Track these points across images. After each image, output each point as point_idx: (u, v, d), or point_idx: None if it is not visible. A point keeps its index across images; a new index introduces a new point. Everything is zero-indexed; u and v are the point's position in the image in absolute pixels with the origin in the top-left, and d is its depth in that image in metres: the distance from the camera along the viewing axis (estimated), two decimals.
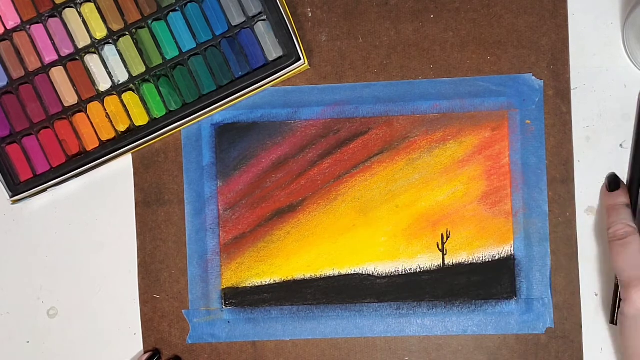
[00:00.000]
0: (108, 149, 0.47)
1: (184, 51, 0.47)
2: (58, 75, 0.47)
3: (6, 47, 0.47)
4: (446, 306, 0.48)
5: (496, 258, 0.47)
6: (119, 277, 0.49)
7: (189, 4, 0.46)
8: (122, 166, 0.49)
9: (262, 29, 0.46)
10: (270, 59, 0.47)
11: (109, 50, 0.47)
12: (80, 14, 0.47)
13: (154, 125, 0.47)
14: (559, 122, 0.47)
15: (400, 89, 0.48)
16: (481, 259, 0.47)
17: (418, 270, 0.48)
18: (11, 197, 0.47)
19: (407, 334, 0.48)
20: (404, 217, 0.48)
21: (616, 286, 0.46)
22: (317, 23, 0.48)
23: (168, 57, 0.47)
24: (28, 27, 0.47)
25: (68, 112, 0.47)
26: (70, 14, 0.47)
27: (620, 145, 0.47)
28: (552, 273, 0.47)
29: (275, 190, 0.48)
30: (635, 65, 0.47)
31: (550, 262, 0.47)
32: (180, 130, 0.48)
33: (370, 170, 0.48)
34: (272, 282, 0.48)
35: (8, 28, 0.47)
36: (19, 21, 0.47)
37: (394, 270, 0.48)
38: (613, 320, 0.46)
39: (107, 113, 0.47)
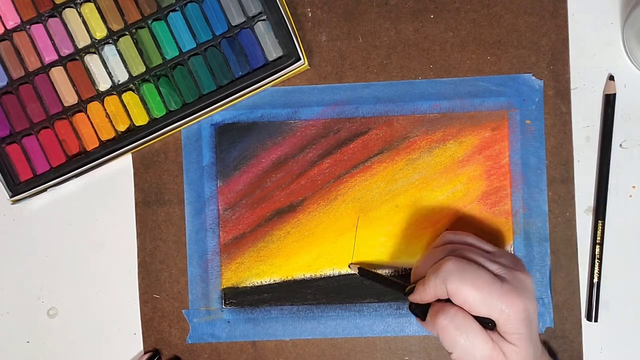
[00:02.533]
0: (108, 149, 0.47)
1: (184, 51, 0.47)
2: (58, 75, 0.47)
3: (6, 47, 0.47)
4: None
5: None
6: (119, 277, 0.49)
7: (189, 4, 0.46)
8: (122, 166, 0.49)
9: (262, 29, 0.46)
10: (270, 59, 0.47)
11: (109, 50, 0.47)
12: (80, 14, 0.47)
13: (154, 125, 0.47)
14: (559, 122, 0.47)
15: (400, 89, 0.48)
16: None
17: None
18: (11, 197, 0.47)
19: (407, 334, 0.48)
20: (404, 217, 0.48)
21: (590, 281, 0.46)
22: (317, 23, 0.48)
23: (168, 57, 0.47)
24: (28, 27, 0.47)
25: (68, 112, 0.47)
26: (70, 14, 0.47)
27: (620, 145, 0.47)
28: (552, 273, 0.47)
29: (275, 190, 0.48)
30: (635, 65, 0.47)
31: (550, 262, 0.47)
32: (180, 130, 0.48)
33: (370, 170, 0.48)
34: (272, 282, 0.48)
35: (8, 28, 0.47)
36: (19, 21, 0.47)
37: (393, 270, 0.48)
38: (589, 317, 0.47)
39: (107, 113, 0.47)
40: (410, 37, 0.48)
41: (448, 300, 0.40)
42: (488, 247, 0.43)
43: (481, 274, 0.39)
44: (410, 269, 0.47)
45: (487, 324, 0.40)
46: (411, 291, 0.42)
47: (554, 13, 0.47)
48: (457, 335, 0.39)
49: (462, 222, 0.48)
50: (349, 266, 0.48)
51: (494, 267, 0.40)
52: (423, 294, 0.41)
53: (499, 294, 0.38)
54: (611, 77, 0.47)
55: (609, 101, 0.47)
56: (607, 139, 0.47)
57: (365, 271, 0.47)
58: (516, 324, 0.39)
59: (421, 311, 0.42)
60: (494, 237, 0.47)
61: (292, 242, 0.48)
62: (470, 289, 0.38)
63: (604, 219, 0.47)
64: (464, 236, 0.44)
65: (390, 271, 0.48)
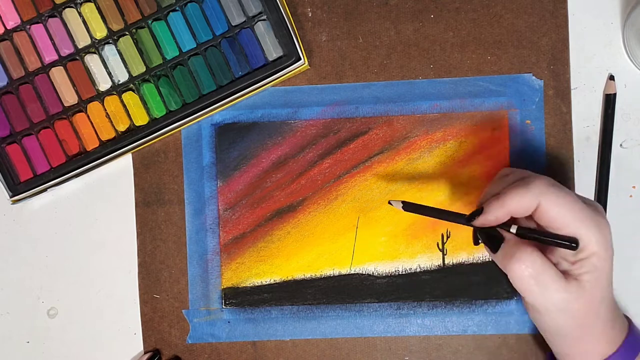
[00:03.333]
0: (108, 149, 0.47)
1: (184, 51, 0.47)
2: (58, 75, 0.47)
3: (6, 47, 0.47)
4: (446, 306, 0.48)
5: None
6: (119, 277, 0.49)
7: (189, 4, 0.46)
8: (122, 166, 0.49)
9: (262, 29, 0.46)
10: (270, 59, 0.47)
11: (109, 50, 0.47)
12: (80, 14, 0.47)
13: (154, 125, 0.47)
14: (559, 122, 0.47)
15: (400, 89, 0.48)
16: (481, 259, 0.47)
17: (418, 270, 0.48)
18: (11, 197, 0.47)
19: (407, 334, 0.48)
20: (404, 217, 0.48)
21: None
22: (317, 23, 0.48)
23: (168, 57, 0.47)
24: (28, 27, 0.47)
25: (68, 112, 0.47)
26: (70, 14, 0.47)
27: (620, 145, 0.47)
28: None
29: (275, 190, 0.48)
30: (636, 65, 0.47)
31: None
32: (180, 130, 0.48)
33: (370, 170, 0.48)
34: (272, 282, 0.48)
35: (8, 28, 0.47)
36: (19, 21, 0.47)
37: (394, 270, 0.48)
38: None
39: (107, 113, 0.47)
40: (410, 37, 0.48)
41: (518, 234, 0.39)
42: None
43: (574, 195, 0.38)
44: (410, 269, 0.47)
45: (571, 244, 0.38)
46: (474, 217, 0.39)
47: (554, 13, 0.47)
48: (532, 283, 0.37)
49: None
50: (389, 202, 0.43)
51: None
52: (499, 210, 0.38)
53: (592, 214, 0.38)
54: (611, 77, 0.47)
55: (609, 101, 0.47)
56: (607, 139, 0.47)
57: (412, 205, 0.42)
58: (605, 245, 0.38)
59: (492, 242, 0.39)
60: None
61: (292, 242, 0.48)
62: (569, 205, 0.37)
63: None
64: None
65: (390, 271, 0.48)
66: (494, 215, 0.39)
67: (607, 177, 0.47)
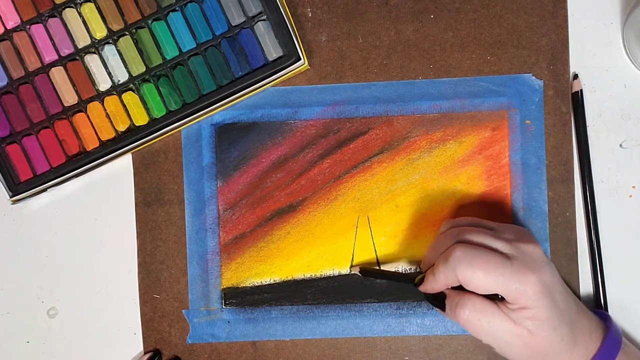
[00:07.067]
0: (108, 149, 0.47)
1: (184, 51, 0.47)
2: (58, 75, 0.47)
3: (6, 47, 0.47)
4: None
5: None
6: (119, 277, 0.49)
7: (189, 4, 0.46)
8: (122, 166, 0.49)
9: (262, 29, 0.46)
10: (270, 59, 0.47)
11: (109, 50, 0.47)
12: (80, 14, 0.47)
13: (154, 125, 0.47)
14: (558, 122, 0.47)
15: (400, 89, 0.48)
16: None
17: (418, 270, 0.48)
18: (11, 197, 0.47)
19: (407, 334, 0.48)
20: (404, 217, 0.48)
21: (594, 281, 0.46)
22: (317, 23, 0.48)
23: (168, 57, 0.47)
24: (28, 27, 0.47)
25: (68, 112, 0.47)
26: (70, 13, 0.47)
27: (620, 145, 0.47)
28: None
29: (275, 190, 0.48)
30: (635, 66, 0.47)
31: None
32: (180, 130, 0.48)
33: (370, 170, 0.48)
34: (272, 282, 0.48)
35: (8, 28, 0.47)
36: (19, 21, 0.47)
37: (393, 270, 0.48)
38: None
39: (107, 113, 0.47)
40: (410, 37, 0.48)
41: (461, 287, 0.40)
42: (489, 224, 0.43)
43: (489, 257, 0.39)
44: (410, 269, 0.47)
45: (497, 296, 0.39)
46: (421, 281, 0.42)
47: (554, 13, 0.47)
48: (480, 324, 0.39)
49: None
50: (350, 269, 0.48)
51: (499, 245, 0.40)
52: (434, 284, 0.41)
53: (510, 273, 0.38)
54: (575, 76, 0.47)
55: (576, 99, 0.47)
56: (583, 138, 0.46)
57: (368, 271, 0.47)
58: (534, 297, 0.38)
59: (439, 301, 0.42)
60: None
61: (292, 242, 0.48)
62: (481, 275, 0.38)
63: (595, 218, 0.46)
64: (463, 220, 0.44)
65: (391, 270, 0.48)
66: (432, 287, 0.41)
67: (589, 175, 0.46)
